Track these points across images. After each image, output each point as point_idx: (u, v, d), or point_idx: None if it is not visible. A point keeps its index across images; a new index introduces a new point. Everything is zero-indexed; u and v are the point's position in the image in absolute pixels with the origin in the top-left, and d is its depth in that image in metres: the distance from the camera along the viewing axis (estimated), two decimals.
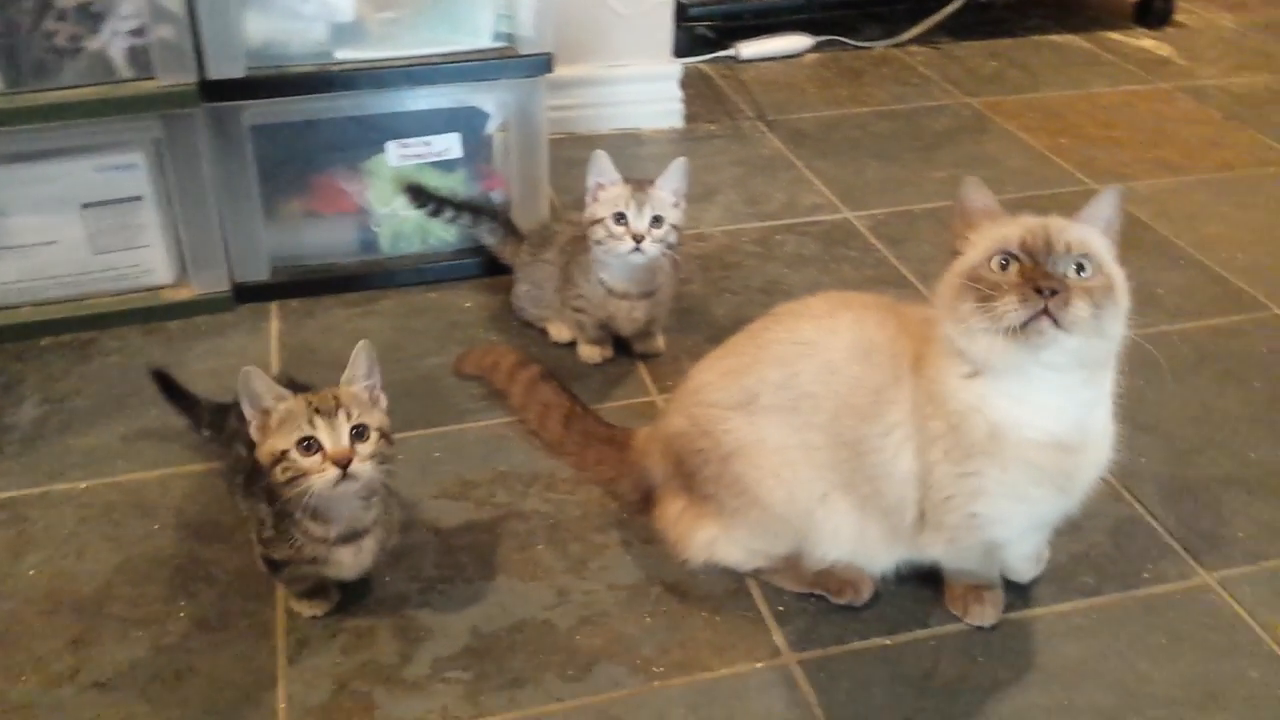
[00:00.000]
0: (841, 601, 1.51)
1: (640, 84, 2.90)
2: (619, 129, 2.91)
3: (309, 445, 1.32)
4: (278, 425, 1.35)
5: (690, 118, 2.97)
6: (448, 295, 2.21)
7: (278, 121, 2.07)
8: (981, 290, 1.26)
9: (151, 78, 1.92)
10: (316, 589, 1.50)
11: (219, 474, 1.68)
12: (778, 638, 1.48)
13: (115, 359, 2.00)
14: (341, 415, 1.33)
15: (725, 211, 2.53)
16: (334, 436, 1.32)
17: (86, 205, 2.02)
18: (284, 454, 1.33)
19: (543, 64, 2.11)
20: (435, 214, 2.16)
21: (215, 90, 1.96)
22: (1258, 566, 1.60)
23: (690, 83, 3.09)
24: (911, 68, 3.35)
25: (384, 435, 1.37)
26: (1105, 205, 1.32)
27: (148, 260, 2.09)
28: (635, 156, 2.78)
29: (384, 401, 1.42)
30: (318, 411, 1.33)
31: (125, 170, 2.00)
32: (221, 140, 2.01)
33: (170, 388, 1.74)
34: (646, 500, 1.64)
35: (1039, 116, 3.03)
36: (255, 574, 1.53)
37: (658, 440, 1.60)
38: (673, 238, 1.87)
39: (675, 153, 2.79)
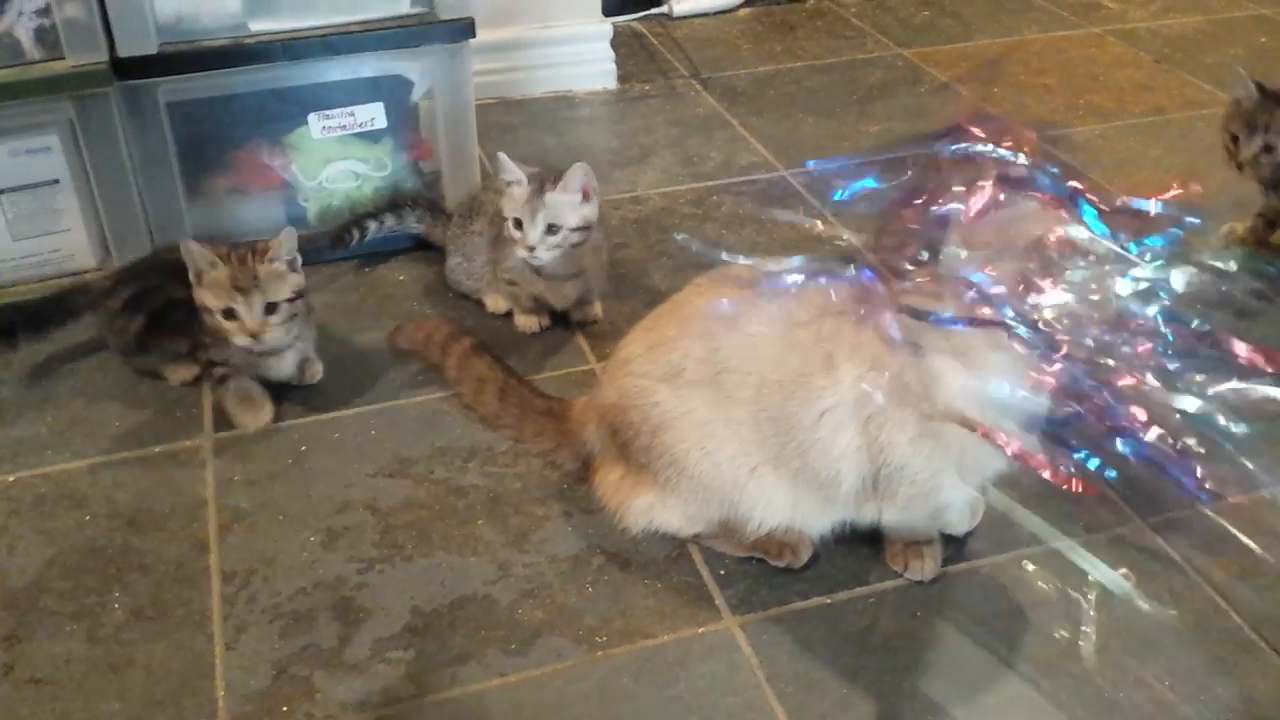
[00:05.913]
0: (781, 564, 1.51)
1: (571, 45, 2.86)
2: (551, 92, 2.87)
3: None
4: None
5: (624, 78, 2.94)
6: (380, 269, 2.18)
7: (195, 97, 2.02)
8: None
9: (61, 58, 1.87)
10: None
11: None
12: (719, 602, 1.49)
13: (40, 347, 1.95)
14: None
15: (661, 173, 2.51)
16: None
17: (2, 191, 1.97)
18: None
19: (464, 29, 2.07)
20: (363, 237, 2.13)
21: (127, 68, 1.91)
22: (1192, 511, 1.61)
23: (622, 42, 3.06)
24: (844, 20, 3.34)
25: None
26: None
27: (69, 244, 2.05)
28: (569, 120, 2.75)
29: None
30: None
31: (40, 153, 1.96)
32: (137, 119, 1.96)
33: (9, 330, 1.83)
34: (586, 469, 1.63)
35: (972, 66, 3.02)
36: (190, 562, 1.51)
37: (594, 410, 1.60)
38: (575, 238, 1.86)
39: (610, 114, 2.79)
